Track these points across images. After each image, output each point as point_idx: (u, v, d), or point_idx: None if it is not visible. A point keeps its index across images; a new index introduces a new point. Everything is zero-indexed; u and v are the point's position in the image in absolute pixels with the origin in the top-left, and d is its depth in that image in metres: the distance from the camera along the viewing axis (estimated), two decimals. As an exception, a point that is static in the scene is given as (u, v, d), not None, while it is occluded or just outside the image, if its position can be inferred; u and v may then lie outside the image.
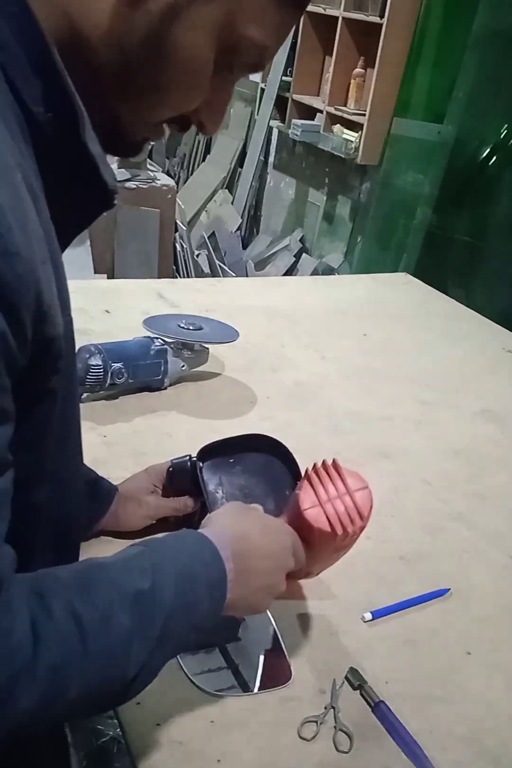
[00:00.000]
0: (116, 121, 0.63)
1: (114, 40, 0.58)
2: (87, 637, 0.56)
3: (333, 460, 0.89)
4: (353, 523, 0.86)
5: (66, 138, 0.58)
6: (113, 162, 3.69)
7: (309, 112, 4.36)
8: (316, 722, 0.83)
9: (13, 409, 0.54)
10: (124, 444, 1.30)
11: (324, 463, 0.88)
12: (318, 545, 0.86)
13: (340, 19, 3.88)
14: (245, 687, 0.87)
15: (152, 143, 3.83)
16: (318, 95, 4.43)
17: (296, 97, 4.42)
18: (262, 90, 4.72)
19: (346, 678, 0.90)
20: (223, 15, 0.59)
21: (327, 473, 0.87)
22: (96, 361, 1.36)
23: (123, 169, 3.67)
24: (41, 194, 0.58)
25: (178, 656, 0.88)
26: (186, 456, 1.09)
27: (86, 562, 0.64)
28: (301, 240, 4.72)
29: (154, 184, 3.77)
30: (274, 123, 4.71)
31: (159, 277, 3.67)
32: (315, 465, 0.88)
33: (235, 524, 0.77)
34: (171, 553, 0.69)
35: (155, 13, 0.57)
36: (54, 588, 0.57)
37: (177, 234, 4.16)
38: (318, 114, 4.27)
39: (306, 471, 0.87)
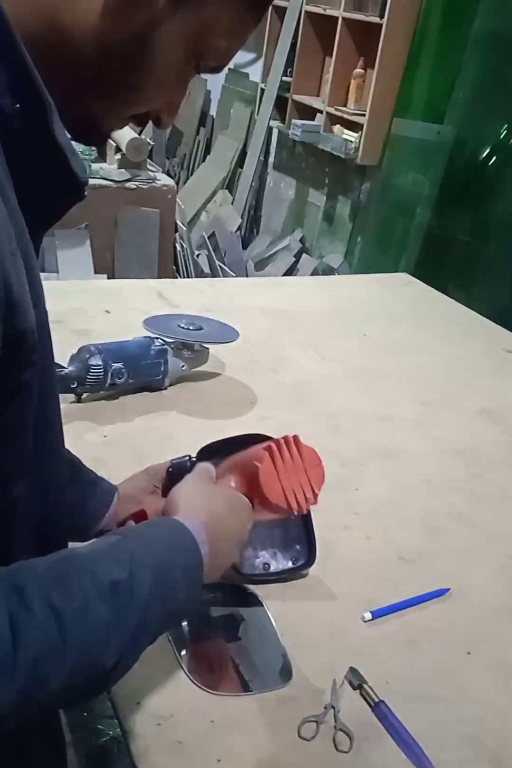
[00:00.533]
0: (89, 115, 0.66)
1: (98, 42, 0.61)
2: (66, 630, 0.56)
3: (295, 436, 0.89)
4: (307, 501, 0.87)
5: (34, 129, 0.58)
6: (114, 163, 3.69)
7: (309, 113, 4.36)
8: (316, 722, 0.83)
9: None
10: (124, 444, 1.30)
11: (286, 438, 0.88)
12: (269, 514, 0.87)
13: (340, 20, 3.88)
14: (245, 687, 0.87)
15: (152, 144, 3.83)
16: (318, 95, 4.43)
17: (296, 97, 4.42)
18: (262, 90, 4.72)
19: (346, 678, 0.90)
20: (196, 26, 0.63)
21: (288, 449, 0.88)
22: (96, 361, 1.36)
23: (123, 170, 3.67)
24: (9, 187, 0.58)
25: (178, 657, 0.88)
26: (186, 456, 1.09)
27: (62, 554, 0.64)
28: (301, 240, 4.71)
29: (154, 184, 3.76)
30: (274, 123, 4.71)
31: (159, 277, 3.67)
32: (277, 440, 0.88)
33: (207, 506, 0.78)
34: (147, 542, 0.69)
35: (139, 20, 0.61)
36: (31, 581, 0.57)
37: (177, 234, 4.16)
38: (318, 114, 4.27)
39: (268, 445, 0.87)
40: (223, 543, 0.76)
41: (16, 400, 0.60)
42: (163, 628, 0.68)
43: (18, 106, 0.57)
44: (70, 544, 0.81)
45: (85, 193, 0.65)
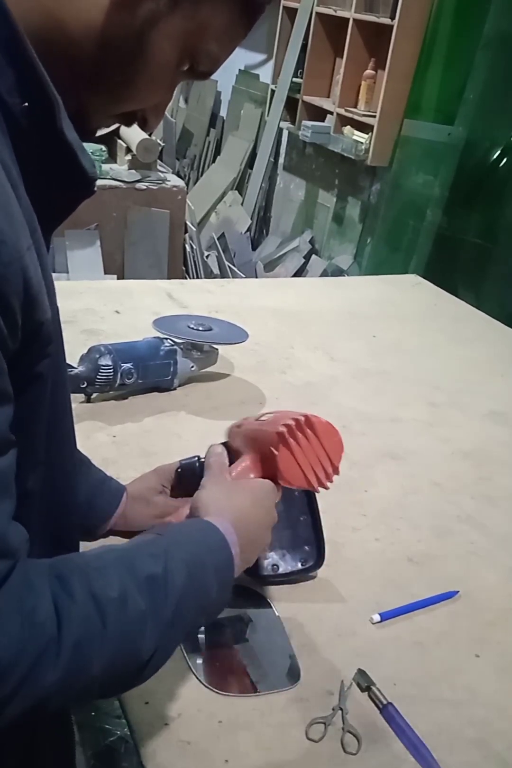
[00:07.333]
0: (81, 110, 0.66)
1: (98, 37, 0.62)
2: (106, 617, 0.59)
3: (306, 416, 0.89)
4: (328, 476, 0.88)
5: (42, 127, 0.59)
6: (124, 163, 3.70)
7: (320, 114, 4.35)
8: (324, 723, 0.83)
9: (11, 391, 0.56)
10: (133, 444, 1.31)
11: (297, 421, 0.88)
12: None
13: (351, 21, 3.87)
14: (253, 688, 0.87)
15: (162, 145, 3.83)
16: (328, 97, 4.42)
17: (306, 98, 4.42)
18: (273, 91, 4.71)
19: (354, 679, 0.89)
20: (192, 29, 0.65)
21: (301, 431, 0.88)
22: (106, 361, 1.36)
23: (133, 170, 3.67)
24: (21, 184, 0.59)
25: (186, 657, 0.88)
26: (194, 456, 1.09)
27: (99, 549, 0.67)
28: (311, 241, 4.71)
29: (164, 185, 3.77)
30: (284, 124, 4.70)
31: (168, 278, 3.67)
32: (289, 423, 0.88)
33: (232, 504, 0.80)
34: (180, 540, 0.72)
35: (138, 18, 0.62)
36: (73, 571, 0.60)
37: (187, 235, 4.17)
38: (328, 115, 4.27)
39: (281, 433, 0.87)
40: (252, 535, 0.79)
41: (30, 391, 0.62)
42: (195, 623, 0.72)
43: (26, 104, 0.58)
44: (84, 544, 0.82)
45: (94, 188, 0.66)
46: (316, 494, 1.05)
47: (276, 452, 0.85)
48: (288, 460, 0.86)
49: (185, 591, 0.66)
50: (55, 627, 0.55)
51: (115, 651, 0.60)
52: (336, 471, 0.90)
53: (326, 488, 0.89)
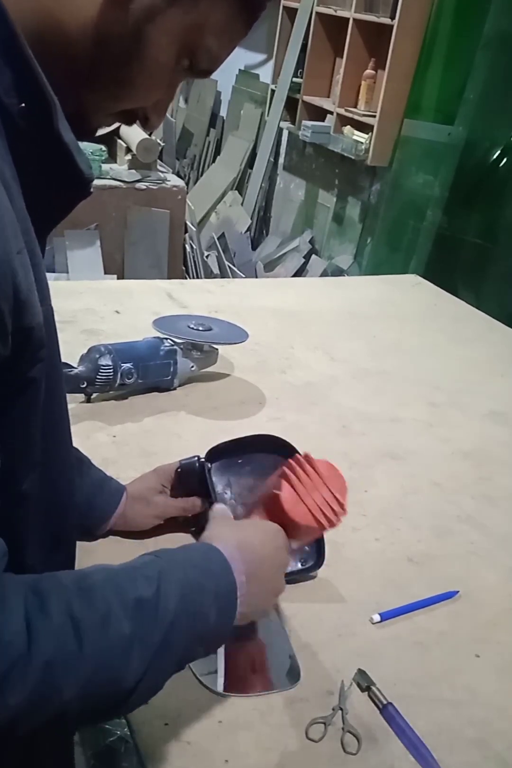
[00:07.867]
0: (80, 109, 0.66)
1: (94, 35, 0.61)
2: (83, 639, 0.56)
3: (305, 454, 0.88)
4: (336, 515, 0.86)
5: (39, 128, 0.59)
6: (124, 163, 3.70)
7: (320, 114, 4.35)
8: (324, 723, 0.83)
9: None
10: (133, 444, 1.31)
11: (297, 459, 0.88)
12: (303, 538, 0.87)
13: (351, 21, 3.87)
14: (253, 688, 0.87)
15: (162, 145, 3.83)
16: (328, 97, 4.42)
17: (306, 98, 4.42)
18: (273, 91, 4.71)
19: (354, 679, 0.89)
20: (190, 25, 0.64)
21: (301, 468, 0.87)
22: (106, 361, 1.36)
23: (133, 170, 3.67)
24: (15, 184, 0.58)
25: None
26: (194, 456, 1.09)
27: (91, 568, 0.64)
28: (311, 241, 4.71)
29: (164, 185, 3.77)
30: (284, 124, 4.70)
31: (169, 278, 3.67)
32: (289, 462, 0.87)
33: (238, 534, 0.77)
34: (178, 562, 0.68)
35: (135, 14, 0.61)
36: (54, 589, 0.57)
37: (187, 235, 4.17)
38: (328, 115, 4.27)
39: (282, 469, 0.86)
40: (260, 569, 0.75)
41: (24, 395, 0.61)
42: (191, 651, 0.67)
43: (23, 105, 0.58)
44: (84, 544, 0.81)
45: (91, 189, 0.66)
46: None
47: (278, 491, 0.84)
48: (292, 497, 0.83)
49: (178, 615, 0.63)
50: (24, 644, 0.53)
51: (92, 675, 0.57)
52: (343, 509, 0.86)
53: (334, 525, 0.86)
